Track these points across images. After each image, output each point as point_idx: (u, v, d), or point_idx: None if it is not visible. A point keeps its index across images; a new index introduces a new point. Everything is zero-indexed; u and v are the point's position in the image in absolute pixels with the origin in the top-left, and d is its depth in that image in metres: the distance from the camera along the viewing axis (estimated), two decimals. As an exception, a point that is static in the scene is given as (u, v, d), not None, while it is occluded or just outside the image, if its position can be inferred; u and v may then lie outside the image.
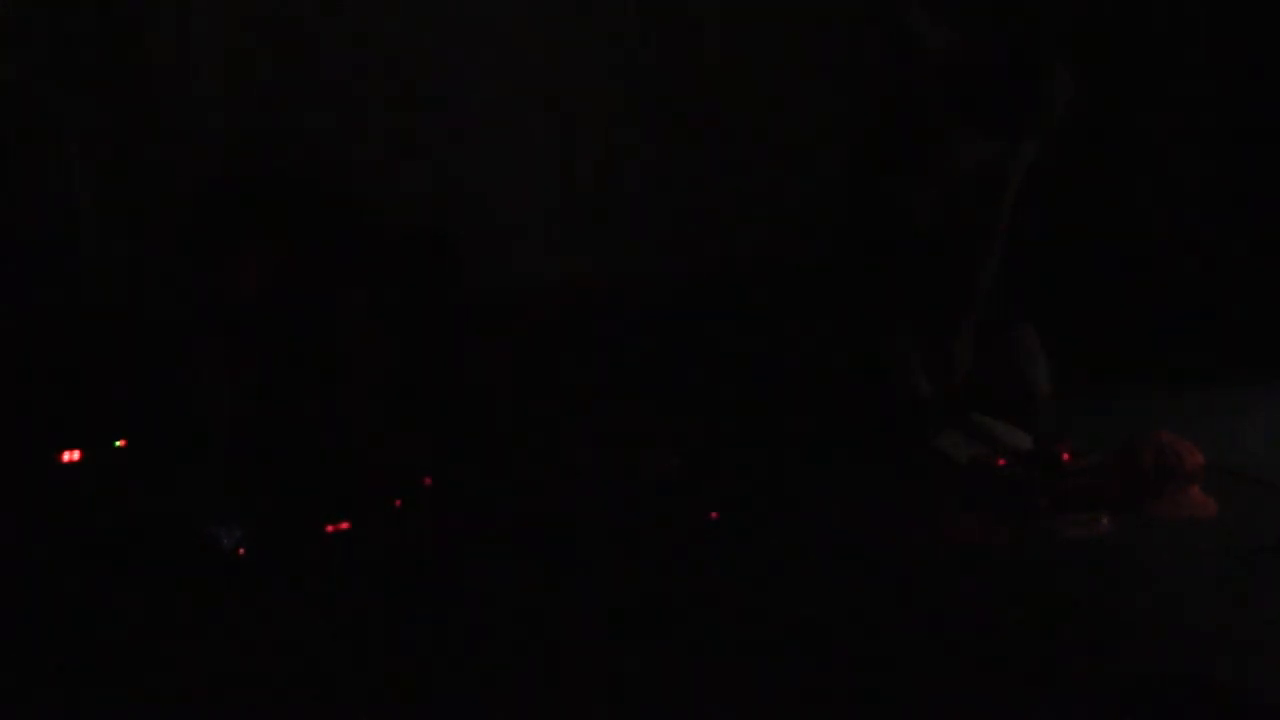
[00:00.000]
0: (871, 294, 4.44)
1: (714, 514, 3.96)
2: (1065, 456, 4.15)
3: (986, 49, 4.14)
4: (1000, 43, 4.21)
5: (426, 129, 5.35)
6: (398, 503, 4.05)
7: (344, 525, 3.92)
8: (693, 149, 5.53)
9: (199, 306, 4.33)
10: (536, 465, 4.28)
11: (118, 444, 4.39)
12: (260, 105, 5.28)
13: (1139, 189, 5.69)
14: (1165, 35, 5.66)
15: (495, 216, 5.35)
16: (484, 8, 5.39)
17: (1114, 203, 5.62)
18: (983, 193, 4.29)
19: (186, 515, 3.91)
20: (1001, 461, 4.19)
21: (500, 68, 5.43)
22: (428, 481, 4.13)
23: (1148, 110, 5.67)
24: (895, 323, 4.41)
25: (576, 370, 4.90)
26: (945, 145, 4.20)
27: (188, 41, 5.24)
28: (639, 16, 5.50)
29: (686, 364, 4.96)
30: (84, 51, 5.19)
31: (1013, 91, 4.03)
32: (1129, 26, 5.63)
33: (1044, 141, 4.22)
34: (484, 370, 4.68)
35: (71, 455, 4.30)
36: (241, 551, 3.80)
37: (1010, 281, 4.40)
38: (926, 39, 4.15)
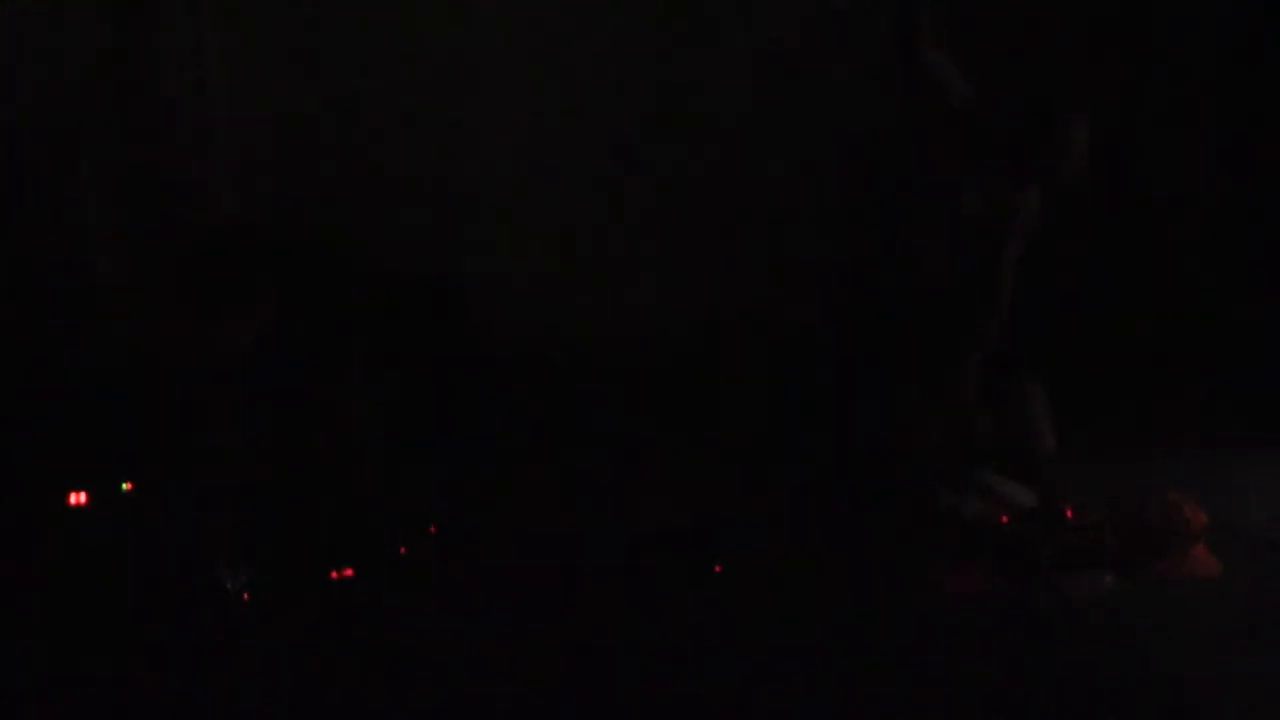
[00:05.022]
0: (877, 347, 4.45)
1: (718, 567, 3.96)
2: (1069, 513, 4.15)
3: (1003, 97, 4.17)
4: (1017, 91, 4.24)
5: (432, 182, 5.40)
6: (402, 550, 4.05)
7: (348, 572, 3.92)
8: (696, 204, 5.56)
9: (206, 353, 4.34)
10: (540, 515, 4.29)
11: (124, 487, 4.41)
12: (269, 157, 5.34)
13: (1143, 245, 5.70)
14: (1172, 91, 5.70)
15: (501, 269, 5.38)
16: (492, 67, 5.44)
17: (1118, 260, 5.63)
18: (990, 244, 4.31)
19: (192, 559, 3.92)
20: (1006, 518, 4.19)
21: (507, 123, 5.48)
22: (432, 529, 4.14)
23: (1150, 166, 5.70)
24: (901, 377, 4.42)
25: (580, 422, 4.91)
26: (954, 194, 4.22)
27: (203, 95, 5.30)
28: (646, 83, 5.54)
29: (691, 416, 4.97)
30: (99, 100, 5.25)
31: (1027, 141, 4.07)
32: (1140, 78, 5.67)
33: (1054, 192, 4.24)
34: (488, 421, 4.70)
35: (78, 498, 4.32)
36: (246, 596, 3.81)
37: (1015, 337, 4.41)
38: (945, 84, 4.17)
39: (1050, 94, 4.30)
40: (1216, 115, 5.69)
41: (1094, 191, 4.35)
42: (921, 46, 4.12)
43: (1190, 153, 5.72)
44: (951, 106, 4.14)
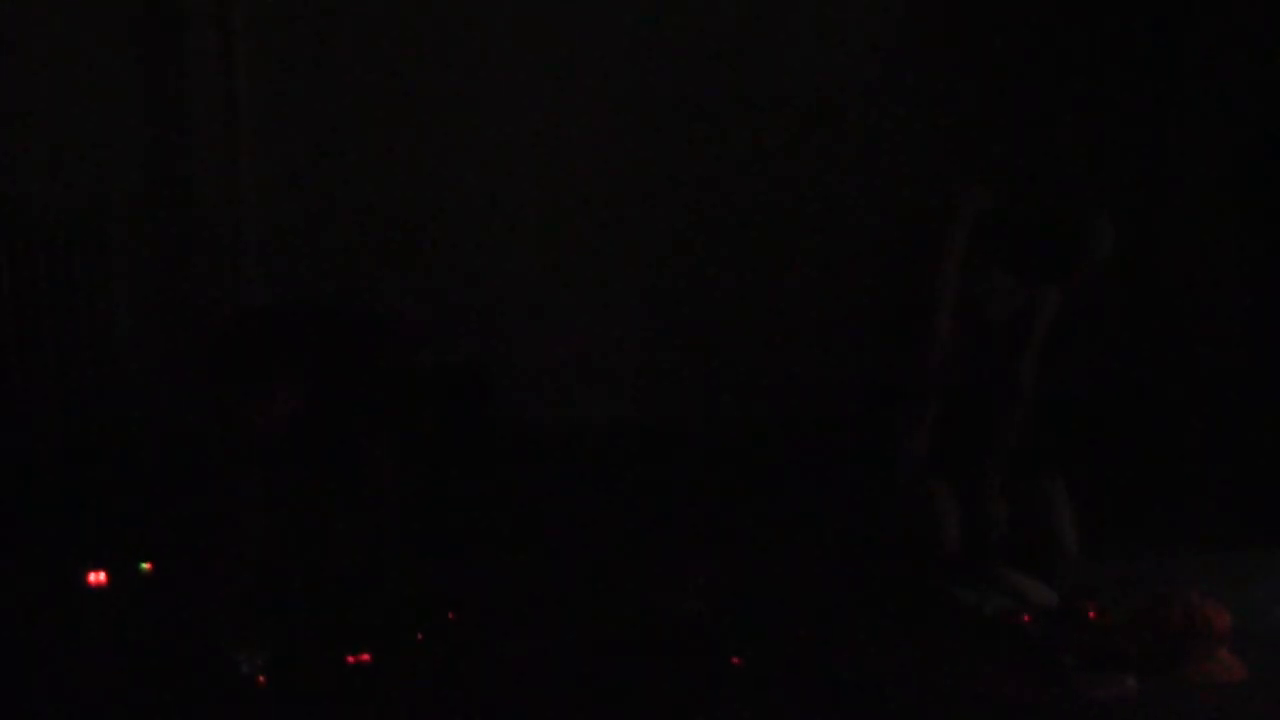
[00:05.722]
0: (900, 444, 4.44)
1: (736, 659, 3.93)
2: (1092, 614, 4.12)
3: (1026, 202, 4.21)
4: (1041, 196, 4.28)
5: (462, 267, 5.45)
6: (419, 636, 4.04)
7: (365, 656, 3.91)
8: (722, 300, 5.60)
9: (236, 434, 4.35)
10: (557, 602, 4.28)
11: (144, 566, 4.42)
12: (298, 237, 5.40)
13: (1167, 343, 5.71)
14: (1193, 188, 5.74)
15: (527, 357, 5.42)
16: (526, 161, 5.51)
17: (1141, 358, 5.64)
18: (1012, 342, 4.32)
19: (209, 639, 3.91)
20: (1027, 617, 4.16)
21: (535, 207, 5.54)
22: (450, 616, 4.13)
23: (1172, 263, 5.72)
24: (924, 473, 4.41)
25: (601, 510, 4.91)
26: (976, 294, 4.24)
27: (234, 176, 5.37)
28: (673, 158, 5.61)
29: (712, 507, 4.96)
30: (131, 178, 5.33)
31: (1051, 244, 4.09)
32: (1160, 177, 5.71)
33: (1077, 293, 4.26)
34: (509, 507, 4.70)
35: (98, 577, 4.33)
36: (262, 680, 3.79)
37: (1038, 435, 4.41)
38: (960, 209, 4.21)
39: (1069, 197, 4.34)
40: (1238, 210, 5.72)
41: (1116, 290, 4.37)
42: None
43: (1213, 249, 5.74)
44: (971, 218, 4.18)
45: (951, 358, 4.26)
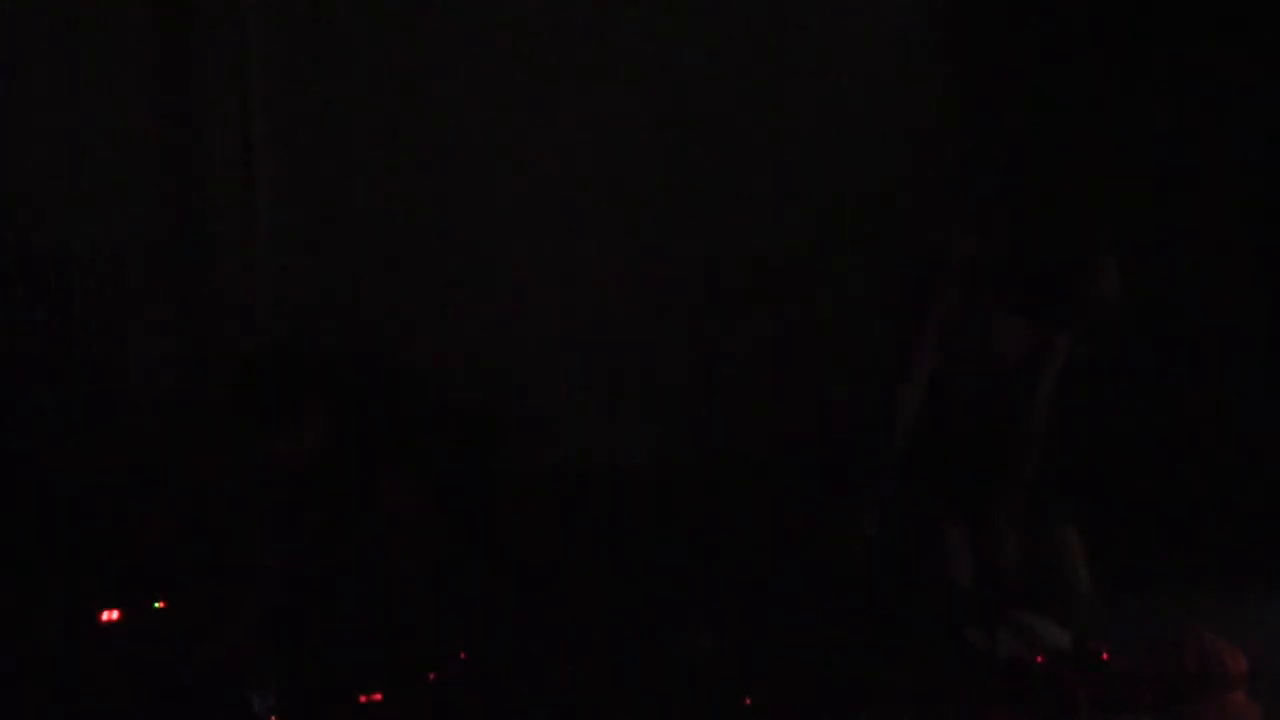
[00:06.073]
0: (913, 485, 4.44)
1: (748, 699, 3.92)
2: (1105, 656, 4.10)
3: (1033, 245, 4.21)
4: (1047, 238, 4.28)
5: (477, 308, 5.47)
6: (431, 676, 4.04)
7: (376, 696, 3.90)
8: (737, 346, 5.61)
9: (248, 470, 4.37)
10: (572, 642, 4.27)
11: (157, 605, 4.42)
12: (316, 278, 5.43)
13: (1182, 382, 5.70)
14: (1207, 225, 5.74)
15: (542, 396, 5.43)
16: (538, 187, 5.54)
17: (1156, 397, 5.63)
18: (1024, 384, 4.32)
19: (221, 677, 3.91)
20: (1040, 659, 4.15)
21: (553, 247, 5.56)
22: (463, 656, 4.12)
23: (1187, 301, 5.71)
24: (936, 514, 4.41)
25: (613, 547, 4.91)
26: (988, 337, 4.24)
27: (252, 212, 5.41)
28: (686, 196, 5.63)
29: (723, 545, 4.95)
30: (149, 214, 5.38)
31: (1059, 286, 4.09)
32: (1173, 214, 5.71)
33: (1088, 335, 4.26)
34: (523, 546, 4.70)
35: (110, 615, 4.33)
36: (274, 719, 3.79)
37: (1051, 475, 4.40)
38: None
39: (1078, 238, 4.35)
40: (1255, 248, 5.71)
41: (1130, 330, 4.37)
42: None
43: (1228, 287, 5.73)
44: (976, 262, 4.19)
45: (965, 400, 4.27)
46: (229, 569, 4.30)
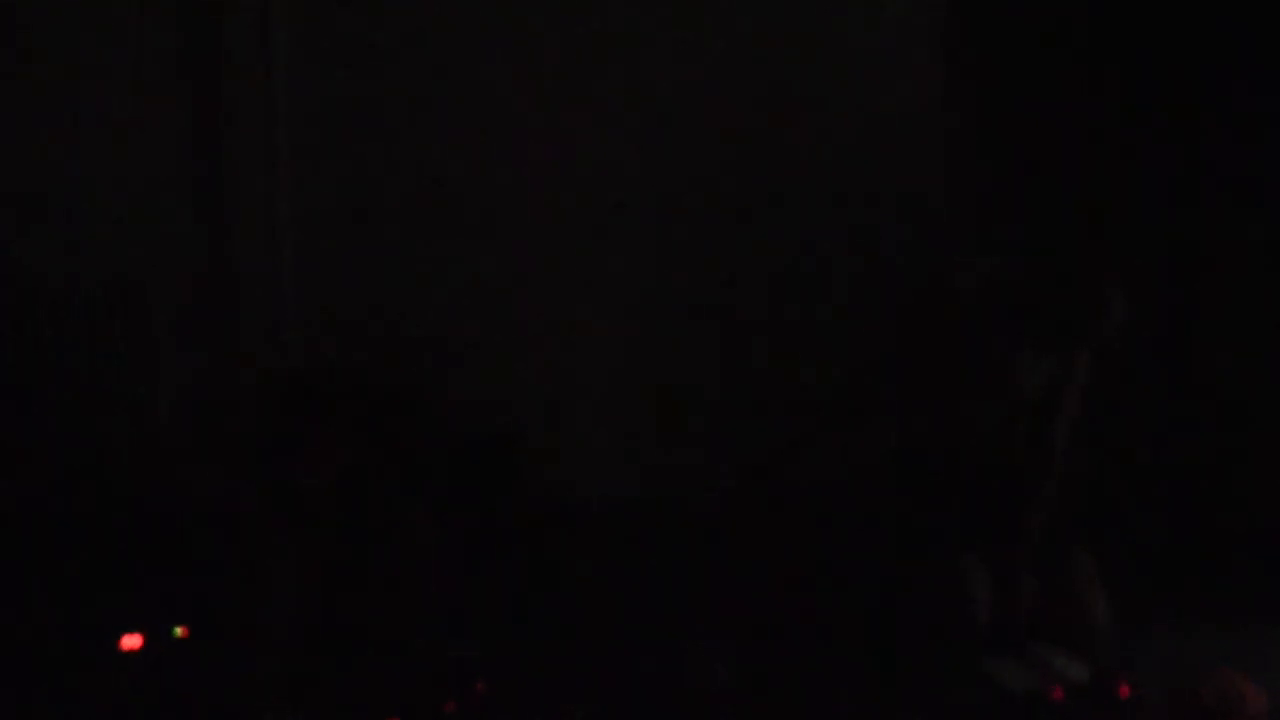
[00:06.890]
0: (928, 517, 4.44)
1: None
2: (1124, 691, 4.09)
3: (1039, 271, 4.22)
4: (1053, 265, 4.29)
5: (495, 339, 5.49)
6: (449, 706, 4.05)
7: (393, 725, 3.93)
8: (752, 382, 5.61)
9: (271, 497, 4.40)
10: (588, 673, 4.28)
11: (178, 632, 4.45)
12: (335, 307, 5.46)
13: (1201, 414, 5.67)
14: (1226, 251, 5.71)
15: (560, 427, 5.45)
16: (555, 218, 5.56)
17: (1174, 429, 5.60)
18: (1037, 413, 4.32)
19: (241, 705, 3.93)
20: (1058, 694, 4.13)
21: (570, 281, 5.59)
22: (479, 686, 4.14)
23: (1207, 332, 5.69)
24: (951, 546, 4.40)
25: (630, 580, 4.92)
26: (999, 367, 4.24)
27: (272, 236, 5.45)
28: (706, 232, 5.63)
29: (738, 576, 4.96)
30: (171, 237, 5.42)
31: (1066, 314, 4.10)
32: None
33: (1099, 362, 4.26)
34: (540, 577, 4.71)
35: (132, 642, 4.36)
36: (291, 747, 3.82)
37: (1068, 507, 4.39)
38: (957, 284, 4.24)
39: (1088, 259, 4.35)
40: (1274, 276, 5.69)
41: (1148, 360, 4.36)
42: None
43: (1247, 316, 5.70)
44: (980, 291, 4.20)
45: (981, 430, 4.27)
46: (251, 595, 4.32)
